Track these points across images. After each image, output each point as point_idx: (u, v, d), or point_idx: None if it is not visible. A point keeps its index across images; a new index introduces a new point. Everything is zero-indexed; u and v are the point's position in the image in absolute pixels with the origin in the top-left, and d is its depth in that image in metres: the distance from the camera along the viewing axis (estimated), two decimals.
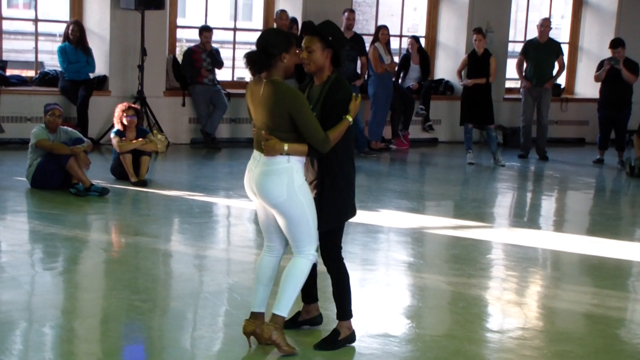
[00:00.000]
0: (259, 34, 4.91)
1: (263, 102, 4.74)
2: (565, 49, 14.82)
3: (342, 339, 5.00)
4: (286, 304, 4.83)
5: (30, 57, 14.85)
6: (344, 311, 5.02)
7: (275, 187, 4.71)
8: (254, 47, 4.79)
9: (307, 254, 4.83)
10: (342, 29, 12.25)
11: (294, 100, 4.67)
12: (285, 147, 4.67)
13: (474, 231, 8.25)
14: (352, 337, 5.04)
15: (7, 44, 14.13)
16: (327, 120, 4.77)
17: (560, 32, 17.11)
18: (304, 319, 5.25)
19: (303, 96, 4.75)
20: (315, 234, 4.85)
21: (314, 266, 4.96)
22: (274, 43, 4.72)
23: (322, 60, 4.83)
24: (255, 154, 4.84)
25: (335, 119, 4.77)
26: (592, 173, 12.57)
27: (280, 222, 4.81)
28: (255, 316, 4.95)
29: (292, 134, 4.71)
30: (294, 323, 5.21)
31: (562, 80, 15.43)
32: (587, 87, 15.53)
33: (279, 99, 4.68)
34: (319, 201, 4.81)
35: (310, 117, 4.68)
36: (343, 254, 5.03)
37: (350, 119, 4.81)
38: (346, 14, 12.65)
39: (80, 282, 6.38)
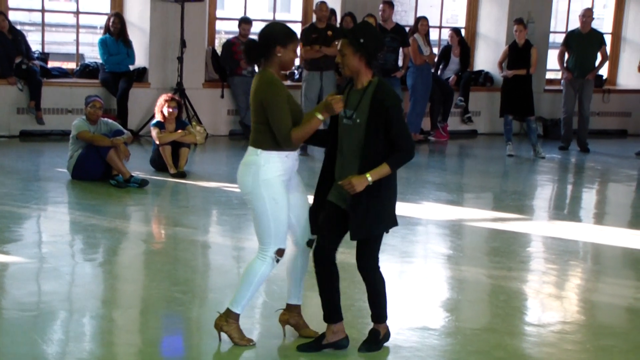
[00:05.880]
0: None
1: (251, 93, 4.68)
2: (607, 39, 14.59)
3: (382, 338, 4.86)
4: (239, 301, 4.78)
5: (72, 49, 14.98)
6: (379, 315, 4.84)
7: (243, 178, 4.69)
8: None
9: (265, 255, 4.71)
10: (380, 21, 12.19)
11: (268, 89, 4.56)
12: (368, 177, 4.46)
13: (514, 224, 8.17)
14: (388, 334, 4.90)
15: (48, 36, 14.26)
16: (384, 128, 4.48)
17: (603, 23, 16.87)
18: (328, 342, 4.79)
19: (282, 87, 4.59)
20: (279, 236, 4.69)
21: (337, 281, 4.75)
22: (270, 35, 4.63)
23: (355, 64, 4.54)
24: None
25: (398, 126, 4.49)
26: (634, 165, 12.36)
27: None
28: (289, 307, 4.97)
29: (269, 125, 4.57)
30: (318, 346, 4.80)
31: (604, 71, 15.23)
32: (630, 78, 15.33)
33: (257, 87, 4.61)
34: (353, 208, 4.56)
35: (279, 110, 4.51)
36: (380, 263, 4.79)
37: (320, 116, 4.53)
38: (381, 6, 12.54)
39: (120, 273, 6.43)
